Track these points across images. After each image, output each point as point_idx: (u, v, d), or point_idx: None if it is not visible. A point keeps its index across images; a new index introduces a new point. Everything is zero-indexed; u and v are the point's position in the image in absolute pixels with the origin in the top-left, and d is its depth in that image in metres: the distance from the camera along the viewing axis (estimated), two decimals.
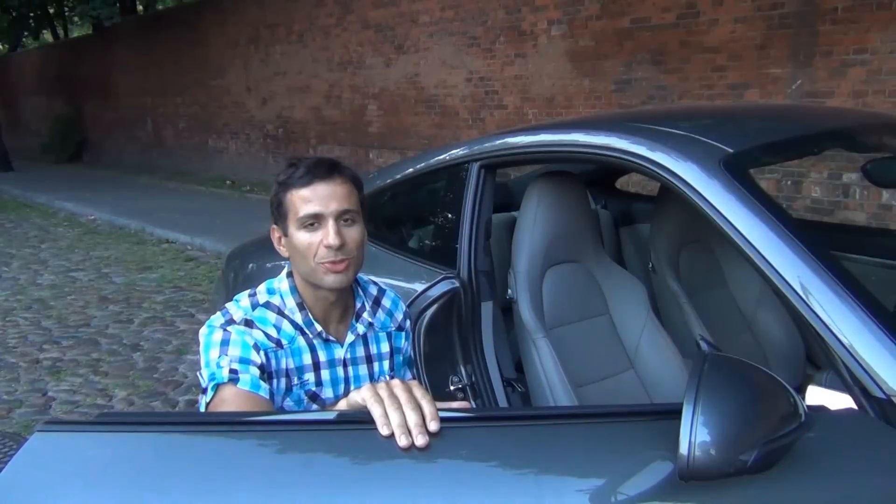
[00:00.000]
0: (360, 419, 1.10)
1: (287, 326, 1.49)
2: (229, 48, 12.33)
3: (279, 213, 1.49)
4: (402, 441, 1.05)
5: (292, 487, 1.04)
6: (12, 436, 3.39)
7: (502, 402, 1.92)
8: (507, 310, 2.09)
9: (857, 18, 5.08)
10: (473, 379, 1.93)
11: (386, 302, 1.67)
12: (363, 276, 1.65)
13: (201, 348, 1.43)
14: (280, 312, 1.50)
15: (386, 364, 1.62)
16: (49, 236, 8.66)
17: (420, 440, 1.05)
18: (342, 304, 1.55)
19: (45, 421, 1.18)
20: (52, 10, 19.99)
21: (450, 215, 2.14)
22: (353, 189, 1.48)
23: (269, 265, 2.77)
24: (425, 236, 2.36)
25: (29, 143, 19.33)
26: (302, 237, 1.44)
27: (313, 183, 1.43)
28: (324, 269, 1.44)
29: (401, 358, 1.68)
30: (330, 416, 1.19)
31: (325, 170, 1.45)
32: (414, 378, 1.76)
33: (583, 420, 1.21)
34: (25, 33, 20.07)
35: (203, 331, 1.45)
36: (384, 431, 1.06)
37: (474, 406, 1.87)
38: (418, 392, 1.11)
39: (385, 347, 1.63)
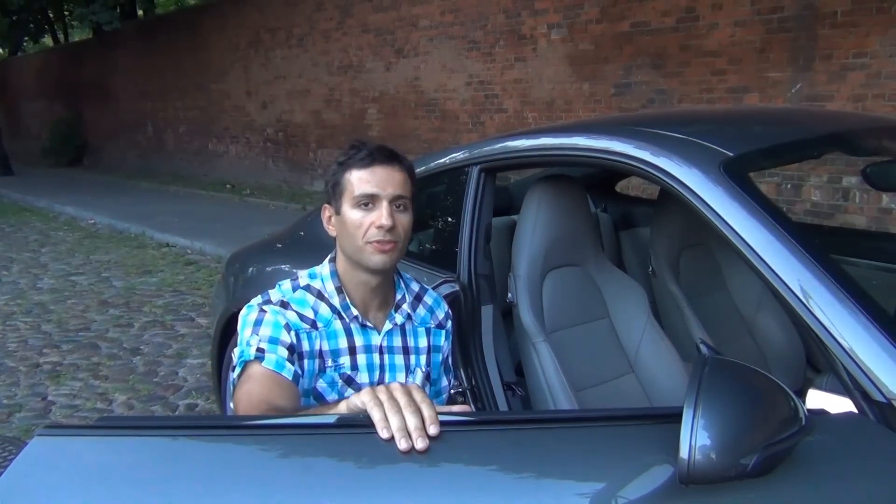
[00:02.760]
0: (360, 423, 1.10)
1: (324, 309, 1.53)
2: (229, 52, 12.35)
3: (334, 192, 1.53)
4: (402, 444, 1.05)
5: (293, 491, 1.04)
6: (12, 440, 3.37)
7: (502, 406, 1.91)
8: (507, 313, 2.09)
9: (856, 22, 5.09)
10: (473, 382, 1.93)
11: (428, 299, 1.70)
12: (407, 274, 1.70)
13: (239, 327, 1.49)
14: (320, 295, 1.54)
15: (423, 359, 1.63)
16: (49, 240, 8.66)
17: (420, 444, 1.05)
18: (382, 291, 1.58)
19: (44, 425, 1.18)
20: (51, 15, 20.01)
21: (450, 219, 2.14)
22: (409, 178, 1.53)
23: (269, 269, 2.77)
24: (425, 240, 2.36)
25: (29, 147, 19.34)
26: (355, 215, 1.49)
27: (373, 165, 1.49)
28: (371, 249, 1.48)
29: (440, 357, 1.69)
30: (330, 419, 1.19)
31: (385, 155, 1.51)
32: (451, 384, 1.76)
33: (583, 424, 1.21)
34: (26, 38, 20.09)
35: (242, 311, 1.51)
36: (384, 435, 1.06)
37: (474, 410, 1.87)
38: (418, 395, 1.11)
39: (423, 342, 1.65)
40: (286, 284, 1.57)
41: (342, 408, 1.20)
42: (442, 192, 2.27)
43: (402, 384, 1.15)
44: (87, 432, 1.17)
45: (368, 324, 1.56)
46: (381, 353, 1.57)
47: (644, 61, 6.49)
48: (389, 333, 1.59)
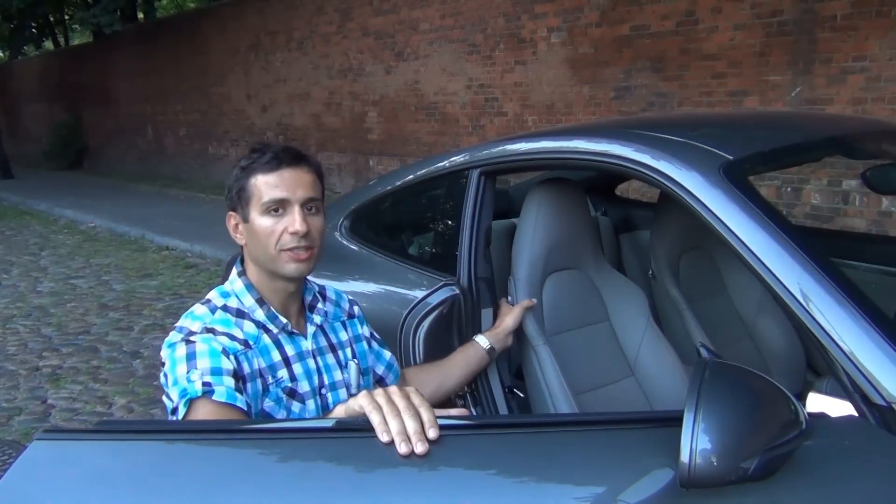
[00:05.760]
0: (359, 427, 1.10)
1: (249, 326, 1.44)
2: (230, 55, 12.36)
3: (239, 199, 1.45)
4: (401, 448, 1.04)
5: (292, 495, 1.04)
6: (11, 443, 3.38)
7: (502, 410, 1.91)
8: None
9: (855, 26, 5.10)
10: (473, 386, 1.93)
11: (330, 294, 1.66)
12: None
13: (167, 368, 1.35)
14: (239, 314, 1.45)
15: (348, 352, 1.60)
16: (49, 243, 8.66)
17: (420, 447, 1.05)
18: (299, 295, 1.54)
19: (44, 429, 1.18)
20: (52, 19, 20.03)
21: (450, 222, 2.14)
22: (318, 179, 1.47)
23: None
24: (425, 243, 2.36)
25: (29, 151, 19.35)
26: (265, 223, 1.42)
27: (280, 168, 1.42)
28: (287, 257, 1.42)
29: (364, 344, 1.66)
30: (329, 423, 1.19)
31: (292, 156, 1.44)
32: (394, 355, 1.75)
33: (583, 427, 1.21)
34: (27, 43, 20.11)
35: (164, 351, 1.38)
36: (384, 438, 1.06)
37: (474, 413, 1.87)
38: (416, 399, 1.11)
39: (343, 336, 1.62)
40: (200, 309, 1.44)
41: (340, 412, 1.19)
42: (442, 195, 2.27)
43: (401, 388, 1.14)
44: (86, 436, 1.17)
45: (295, 331, 1.50)
46: (313, 356, 1.52)
47: (644, 65, 6.49)
48: (314, 336, 1.54)
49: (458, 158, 2.16)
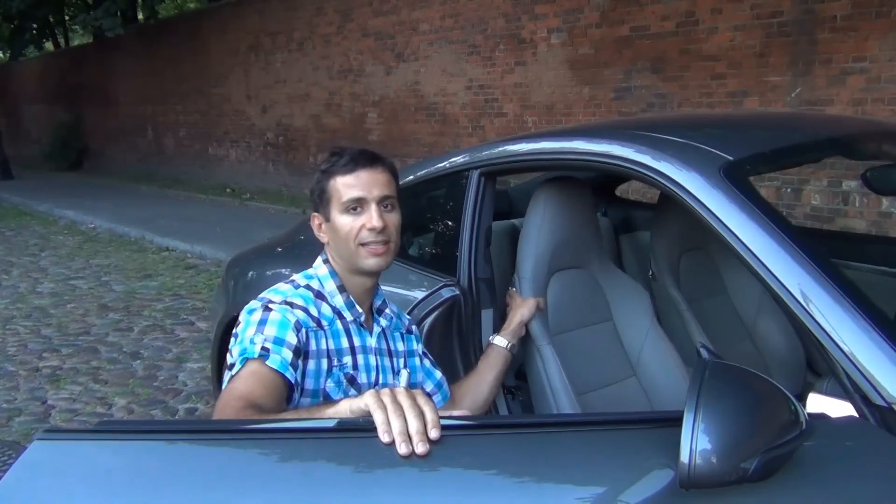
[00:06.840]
0: (360, 427, 1.10)
1: (326, 309, 1.54)
2: (230, 56, 12.37)
3: (321, 200, 1.56)
4: (402, 449, 1.04)
5: (292, 495, 1.04)
6: (11, 444, 3.38)
7: (503, 410, 1.91)
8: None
9: (855, 27, 5.10)
10: None
11: (393, 307, 1.74)
12: None
13: (239, 329, 1.45)
14: (319, 296, 1.55)
15: (402, 361, 1.68)
16: (49, 244, 8.66)
17: (420, 448, 1.05)
18: (372, 295, 1.63)
19: (44, 429, 1.18)
20: (52, 20, 20.03)
21: (450, 223, 2.14)
22: (392, 178, 1.57)
23: (269, 273, 2.77)
24: (426, 244, 2.37)
25: (29, 152, 19.36)
26: (345, 220, 1.52)
27: (357, 170, 1.52)
28: (365, 252, 1.52)
29: (417, 360, 1.73)
30: (330, 423, 1.19)
31: (367, 158, 1.54)
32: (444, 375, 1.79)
33: (583, 427, 1.21)
34: (28, 45, 20.09)
35: (242, 315, 1.48)
36: (385, 439, 1.06)
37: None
38: (421, 399, 1.11)
39: (400, 346, 1.70)
40: (284, 286, 1.56)
41: (344, 407, 1.19)
42: (442, 195, 2.27)
43: (406, 388, 1.15)
44: (86, 436, 1.17)
45: (364, 325, 1.60)
46: (375, 354, 1.60)
47: (644, 65, 6.50)
48: (378, 336, 1.63)
49: (458, 159, 2.16)
